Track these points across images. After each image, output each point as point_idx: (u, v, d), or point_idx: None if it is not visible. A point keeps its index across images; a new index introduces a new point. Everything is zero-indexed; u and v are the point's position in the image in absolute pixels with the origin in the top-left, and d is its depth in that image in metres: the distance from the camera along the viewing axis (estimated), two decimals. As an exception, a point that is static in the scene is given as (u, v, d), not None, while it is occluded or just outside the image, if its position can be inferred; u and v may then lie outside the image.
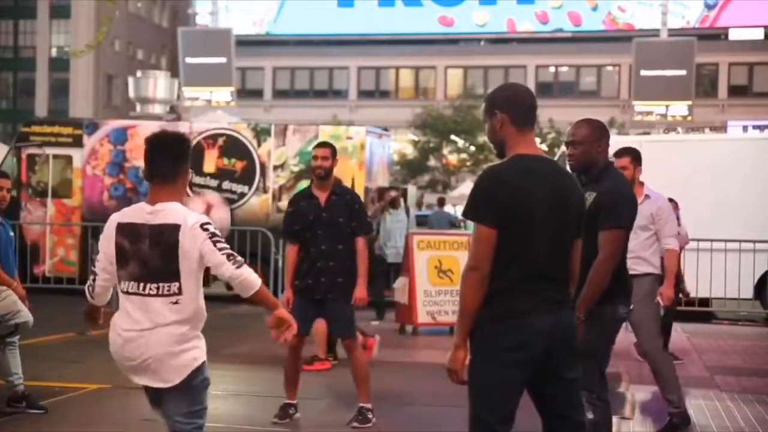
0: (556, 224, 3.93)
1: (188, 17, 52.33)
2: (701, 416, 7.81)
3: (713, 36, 47.49)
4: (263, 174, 16.24)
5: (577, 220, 4.05)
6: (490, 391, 3.85)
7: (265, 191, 16.19)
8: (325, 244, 7.13)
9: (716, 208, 14.54)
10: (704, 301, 14.60)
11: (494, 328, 3.84)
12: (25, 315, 7.36)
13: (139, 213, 4.35)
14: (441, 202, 22.67)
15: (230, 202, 16.16)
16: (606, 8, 49.91)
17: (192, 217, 4.28)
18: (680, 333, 12.73)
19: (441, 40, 51.82)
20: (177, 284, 4.23)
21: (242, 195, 16.20)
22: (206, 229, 4.23)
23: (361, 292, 7.21)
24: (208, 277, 4.55)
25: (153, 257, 4.25)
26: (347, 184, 15.65)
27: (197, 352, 4.30)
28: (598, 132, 5.24)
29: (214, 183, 16.24)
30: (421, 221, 21.71)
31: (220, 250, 4.20)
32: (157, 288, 4.24)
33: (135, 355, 4.28)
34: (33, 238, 16.70)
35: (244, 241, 14.81)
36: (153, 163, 4.36)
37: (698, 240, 13.66)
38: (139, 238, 4.27)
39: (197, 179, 16.25)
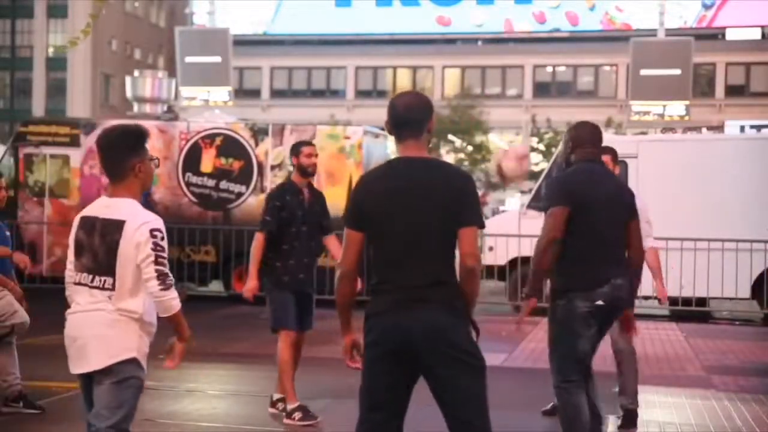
0: (416, 221, 4.05)
1: (185, 17, 52.39)
2: (698, 416, 7.82)
3: (710, 36, 47.50)
4: (261, 174, 16.23)
5: (444, 213, 4.06)
6: (364, 379, 4.15)
7: (262, 191, 16.14)
8: (309, 240, 7.34)
9: (713, 208, 14.55)
10: (701, 301, 14.60)
11: (365, 325, 4.14)
12: (22, 315, 7.36)
13: (97, 206, 4.40)
14: None
15: (228, 201, 16.18)
16: (603, 8, 49.93)
17: (142, 216, 4.27)
18: (678, 333, 12.75)
19: (438, 39, 51.81)
20: (111, 280, 4.25)
21: (240, 195, 16.18)
22: (154, 236, 4.21)
23: None
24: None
25: (100, 251, 4.27)
26: (345, 184, 15.75)
27: (133, 343, 4.26)
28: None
29: (211, 183, 16.23)
30: None
31: (156, 263, 4.20)
32: (101, 281, 4.27)
33: (74, 334, 4.31)
34: (30, 238, 16.67)
35: (241, 240, 14.81)
36: (102, 161, 4.40)
37: (695, 240, 13.70)
38: (93, 230, 4.30)
39: (194, 179, 16.25)
